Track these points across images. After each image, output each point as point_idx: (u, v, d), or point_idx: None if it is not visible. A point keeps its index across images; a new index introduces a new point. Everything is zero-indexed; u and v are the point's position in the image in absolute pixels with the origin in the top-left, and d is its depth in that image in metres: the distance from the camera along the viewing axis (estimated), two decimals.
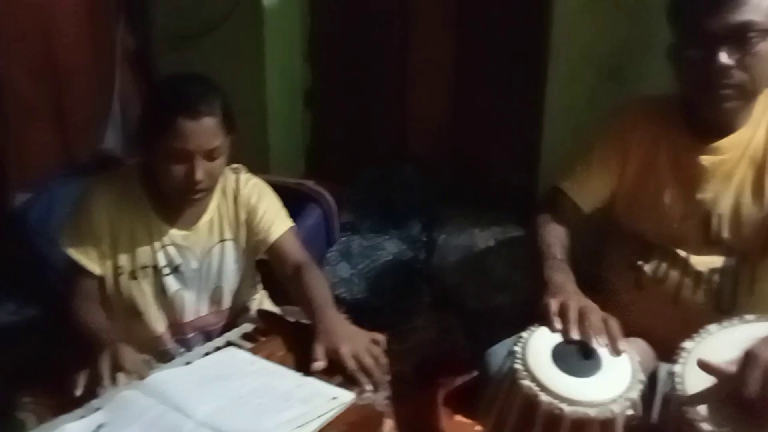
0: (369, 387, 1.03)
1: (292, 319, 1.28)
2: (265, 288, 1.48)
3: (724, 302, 1.19)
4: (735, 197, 1.18)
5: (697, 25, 1.09)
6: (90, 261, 1.24)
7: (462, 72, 2.07)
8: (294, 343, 1.16)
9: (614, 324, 1.04)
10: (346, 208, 2.03)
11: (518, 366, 0.98)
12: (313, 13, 2.29)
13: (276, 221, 1.33)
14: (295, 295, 1.26)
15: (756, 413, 0.84)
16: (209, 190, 1.26)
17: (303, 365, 1.08)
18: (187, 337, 1.34)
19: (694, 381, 0.89)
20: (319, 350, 1.07)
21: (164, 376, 1.04)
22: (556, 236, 1.26)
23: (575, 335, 1.02)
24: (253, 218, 1.32)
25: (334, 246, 1.89)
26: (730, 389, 0.87)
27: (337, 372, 1.05)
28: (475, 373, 1.57)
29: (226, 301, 1.36)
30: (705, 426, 0.84)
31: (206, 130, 1.17)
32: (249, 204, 1.33)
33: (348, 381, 1.04)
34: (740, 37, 1.06)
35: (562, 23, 1.66)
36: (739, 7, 1.06)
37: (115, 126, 2.32)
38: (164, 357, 1.26)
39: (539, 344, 1.01)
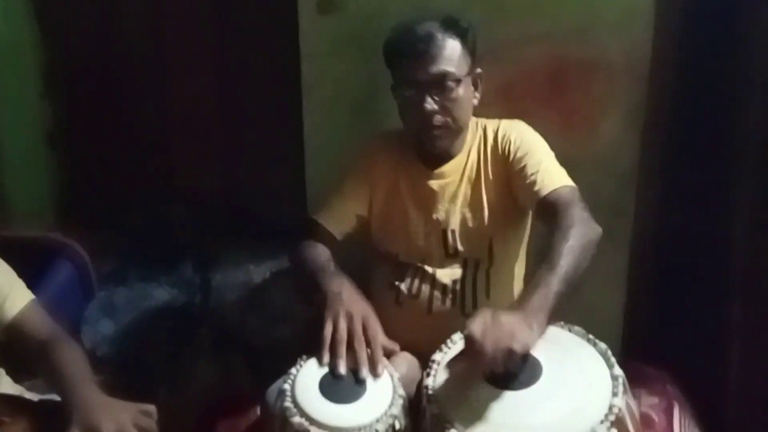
0: None
1: (35, 398, 1.14)
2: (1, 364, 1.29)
3: (467, 308, 1.36)
4: (461, 214, 1.37)
5: (405, 74, 1.30)
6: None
7: (226, 106, 2.06)
8: (40, 425, 1.04)
9: (377, 344, 1.12)
10: (110, 257, 1.88)
11: (288, 404, 1.00)
12: (47, 45, 2.08)
13: (10, 296, 1.17)
14: (42, 375, 1.12)
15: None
16: None
17: None
18: None
19: (442, 391, 0.99)
20: None
21: None
22: (320, 254, 1.33)
23: (341, 371, 1.07)
24: None
25: (93, 302, 1.73)
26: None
27: None
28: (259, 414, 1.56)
29: None
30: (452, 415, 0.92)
31: None
32: None
33: None
34: (440, 84, 1.27)
35: (313, 64, 1.74)
36: (436, 59, 1.26)
37: None
38: None
39: (307, 378, 1.05)
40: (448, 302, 1.37)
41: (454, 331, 1.13)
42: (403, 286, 1.38)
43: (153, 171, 2.11)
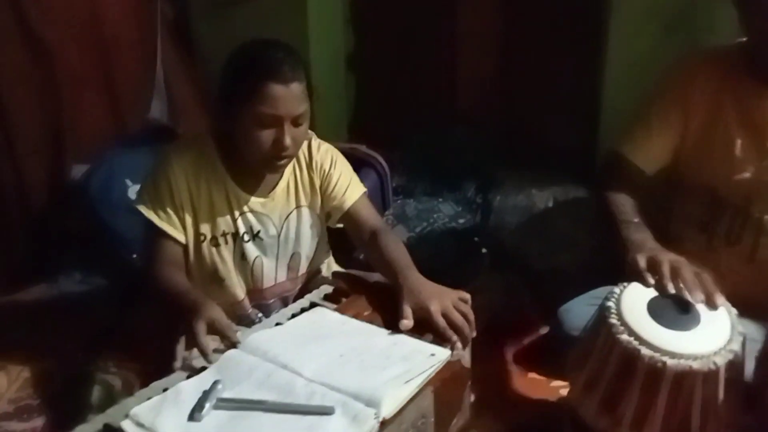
0: (459, 344, 1.04)
1: (371, 279, 1.29)
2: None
3: None
4: None
5: None
6: (173, 228, 1.25)
7: (513, 29, 2.03)
8: (377, 302, 1.17)
9: (708, 278, 1.04)
10: (398, 172, 2.03)
11: (614, 321, 0.98)
12: None
13: (350, 187, 1.34)
14: (373, 259, 1.27)
15: None
16: (293, 156, 1.26)
17: (390, 324, 1.09)
18: (266, 302, 1.36)
19: None
20: (407, 309, 1.08)
21: (263, 336, 1.06)
22: (624, 201, 1.25)
23: (671, 289, 1.02)
24: (327, 185, 1.33)
25: (389, 210, 1.90)
26: None
27: (426, 330, 1.06)
28: (544, 331, 1.59)
29: (303, 267, 1.38)
30: None
31: (295, 95, 1.17)
32: (323, 170, 1.33)
33: (438, 338, 1.05)
34: None
35: None
36: None
37: (160, 95, 2.32)
38: (244, 322, 1.28)
39: (633, 299, 1.01)
40: None
41: None
42: (720, 230, 1.24)
43: (438, 94, 2.20)
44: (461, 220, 1.90)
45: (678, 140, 1.28)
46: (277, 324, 1.12)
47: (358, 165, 1.79)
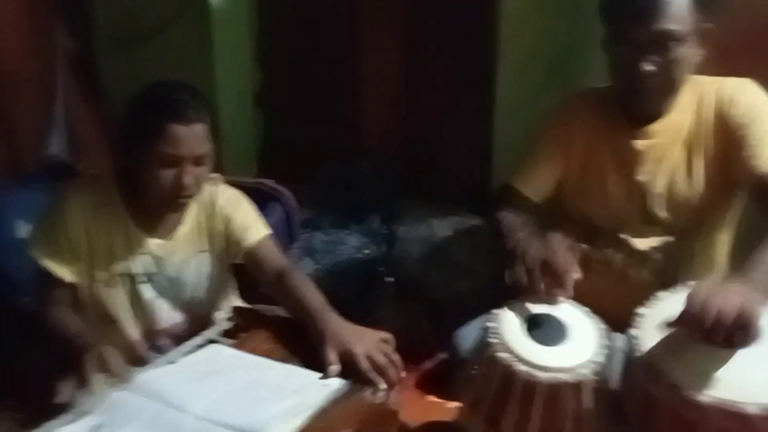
0: (383, 386, 1.05)
1: (269, 314, 1.31)
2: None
3: (667, 279, 1.26)
4: (669, 178, 1.28)
5: (623, 32, 1.20)
6: (64, 269, 1.23)
7: (414, 69, 2.15)
8: (277, 336, 1.19)
9: (569, 278, 1.11)
10: (305, 206, 2.06)
11: (494, 340, 1.05)
12: (261, 13, 2.31)
13: (252, 228, 1.35)
14: (282, 301, 1.27)
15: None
16: (193, 197, 1.27)
17: (289, 357, 1.11)
18: (160, 344, 1.33)
19: (651, 343, 0.99)
20: (331, 354, 1.08)
21: (153, 376, 1.05)
22: (515, 219, 1.34)
23: (543, 307, 1.10)
24: (230, 228, 1.34)
25: (296, 243, 1.92)
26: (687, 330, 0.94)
27: (349, 373, 1.06)
28: (443, 356, 1.65)
29: (202, 309, 1.38)
30: (672, 371, 0.91)
31: (197, 136, 1.18)
32: (226, 215, 1.34)
33: (362, 382, 1.05)
34: (660, 43, 1.17)
35: (509, 23, 1.75)
36: (659, 16, 1.16)
37: (60, 131, 2.26)
38: (138, 363, 1.26)
39: (512, 319, 1.09)
40: (646, 273, 1.30)
41: (646, 300, 1.07)
42: (595, 252, 1.34)
43: (344, 129, 2.27)
44: (367, 251, 1.95)
45: (561, 173, 1.39)
46: (170, 363, 1.11)
47: (265, 200, 1.81)
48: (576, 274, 1.13)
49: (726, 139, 1.23)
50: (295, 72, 2.30)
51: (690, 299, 0.93)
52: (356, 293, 1.83)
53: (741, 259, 1.29)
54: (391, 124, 2.21)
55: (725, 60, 1.37)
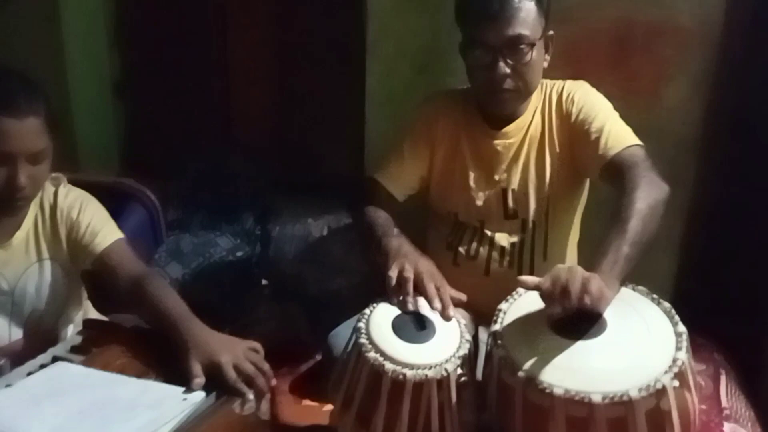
0: (251, 396, 1.01)
1: (126, 325, 1.22)
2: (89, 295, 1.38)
3: (524, 270, 1.38)
4: (522, 174, 1.37)
5: (478, 35, 1.27)
6: None
7: (285, 59, 2.10)
8: (133, 349, 1.10)
9: (445, 291, 1.16)
10: (173, 205, 1.95)
11: (363, 341, 1.05)
12: None
13: (102, 233, 1.24)
14: (139, 310, 1.18)
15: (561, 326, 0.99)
16: (31, 199, 1.15)
17: (146, 371, 1.04)
18: None
19: (509, 336, 1.04)
20: (195, 365, 1.01)
21: None
22: (383, 218, 1.35)
23: (411, 307, 1.12)
24: (75, 233, 1.22)
25: (162, 246, 1.82)
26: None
27: (217, 385, 1.01)
28: (318, 358, 1.64)
29: (45, 324, 1.25)
30: (525, 363, 0.96)
31: (30, 130, 1.07)
32: (70, 218, 1.22)
33: (229, 392, 1.01)
34: (513, 47, 1.26)
35: (378, 21, 1.77)
36: (511, 21, 1.24)
37: None
38: None
39: (380, 318, 1.09)
40: (506, 264, 1.39)
41: (509, 293, 1.14)
42: (462, 248, 1.40)
43: (213, 123, 2.17)
44: (239, 253, 1.88)
45: (425, 171, 1.44)
46: (7, 386, 1.00)
47: (125, 200, 1.69)
48: (461, 297, 1.17)
49: (569, 134, 1.35)
50: (157, 61, 2.16)
51: (550, 273, 1.00)
52: (229, 297, 1.76)
53: (588, 250, 1.42)
54: (263, 116, 2.15)
55: (568, 65, 1.49)
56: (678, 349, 0.96)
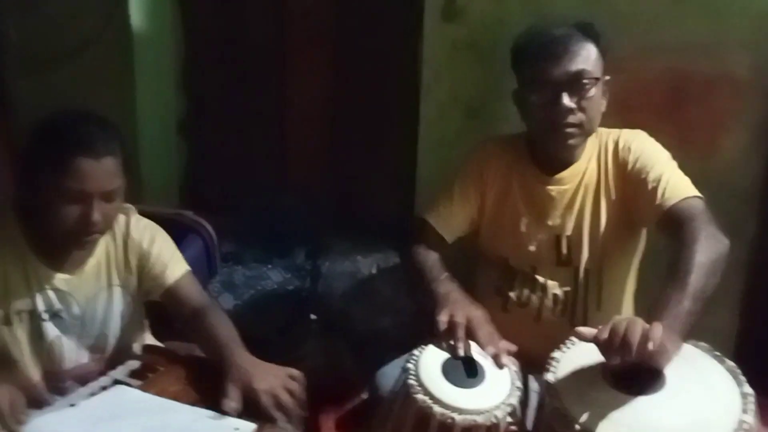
0: (283, 423, 1.04)
1: (182, 353, 1.26)
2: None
3: (577, 319, 1.36)
4: (577, 221, 1.36)
5: (540, 74, 1.29)
6: None
7: (340, 103, 2.17)
8: (188, 376, 1.15)
9: (497, 338, 1.16)
10: (227, 239, 2.02)
11: (412, 382, 1.06)
12: (186, 39, 2.27)
13: (170, 265, 1.30)
14: (196, 339, 1.23)
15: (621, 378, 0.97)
16: (102, 234, 1.21)
17: (200, 399, 1.08)
18: (64, 385, 1.24)
19: (563, 387, 1.01)
20: (233, 390, 1.05)
21: (50, 420, 0.99)
22: (432, 260, 1.36)
23: (460, 353, 1.12)
24: (144, 264, 1.28)
25: (217, 277, 1.87)
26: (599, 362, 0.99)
27: (252, 410, 1.04)
28: (365, 396, 1.64)
29: (110, 348, 1.30)
30: (580, 416, 0.94)
31: (106, 170, 1.13)
32: (140, 248, 1.28)
33: (264, 419, 1.03)
34: (577, 83, 1.27)
35: (432, 66, 1.82)
36: (574, 58, 1.27)
37: None
38: (37, 406, 1.18)
39: (430, 360, 1.10)
40: (558, 312, 1.37)
41: (561, 341, 1.13)
42: (512, 294, 1.39)
43: (269, 161, 2.25)
44: (290, 287, 1.92)
45: (475, 214, 1.44)
46: (72, 405, 1.05)
47: (184, 232, 1.75)
48: (510, 348, 1.17)
49: (626, 183, 1.34)
50: (219, 101, 2.26)
51: (603, 328, 0.99)
52: (278, 329, 1.80)
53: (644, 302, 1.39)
54: (317, 157, 2.21)
55: (621, 114, 1.49)
56: (744, 411, 0.92)
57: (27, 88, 2.19)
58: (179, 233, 1.70)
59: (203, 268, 1.76)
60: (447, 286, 1.26)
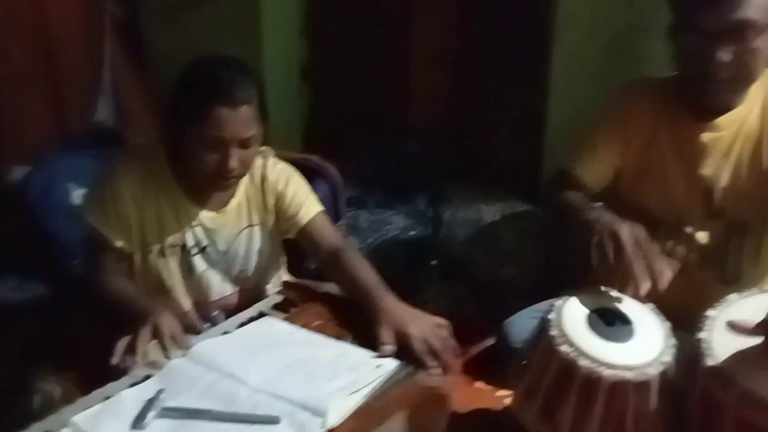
0: (437, 370, 1.03)
1: (321, 290, 1.29)
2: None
3: (728, 274, 1.26)
4: (733, 171, 1.24)
5: (696, 20, 1.14)
6: (118, 237, 1.22)
7: (465, 48, 2.10)
8: (327, 312, 1.18)
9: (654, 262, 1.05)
10: (351, 184, 2.04)
11: (554, 332, 1.02)
12: None
13: (305, 205, 1.33)
14: (336, 278, 1.26)
15: None
16: (240, 177, 1.25)
17: (339, 334, 1.10)
18: (211, 315, 1.34)
19: (719, 347, 0.95)
20: (386, 333, 1.06)
21: (209, 345, 1.05)
22: (578, 197, 1.29)
23: (604, 297, 1.06)
24: (281, 203, 1.33)
25: (342, 220, 1.91)
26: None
27: (403, 354, 1.04)
28: (490, 342, 1.64)
29: (251, 282, 1.37)
30: (743, 378, 0.87)
31: (243, 118, 1.15)
32: (277, 189, 1.33)
33: (416, 364, 1.04)
34: (738, 33, 1.11)
35: (566, 4, 1.70)
36: (738, 5, 1.10)
37: (107, 98, 2.27)
38: (190, 332, 1.27)
39: (573, 312, 1.05)
40: (706, 266, 1.28)
41: (710, 297, 1.04)
42: (656, 244, 1.31)
43: (391, 107, 2.24)
44: (412, 232, 1.93)
45: (619, 161, 1.35)
46: (225, 333, 1.11)
47: (311, 175, 1.78)
48: (669, 274, 1.06)
49: None
50: (342, 47, 2.27)
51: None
52: (401, 274, 1.82)
53: None
54: (440, 103, 2.17)
55: None
56: None
57: (162, 31, 2.30)
58: (306, 177, 1.74)
59: (330, 211, 1.77)
60: (608, 214, 1.15)
